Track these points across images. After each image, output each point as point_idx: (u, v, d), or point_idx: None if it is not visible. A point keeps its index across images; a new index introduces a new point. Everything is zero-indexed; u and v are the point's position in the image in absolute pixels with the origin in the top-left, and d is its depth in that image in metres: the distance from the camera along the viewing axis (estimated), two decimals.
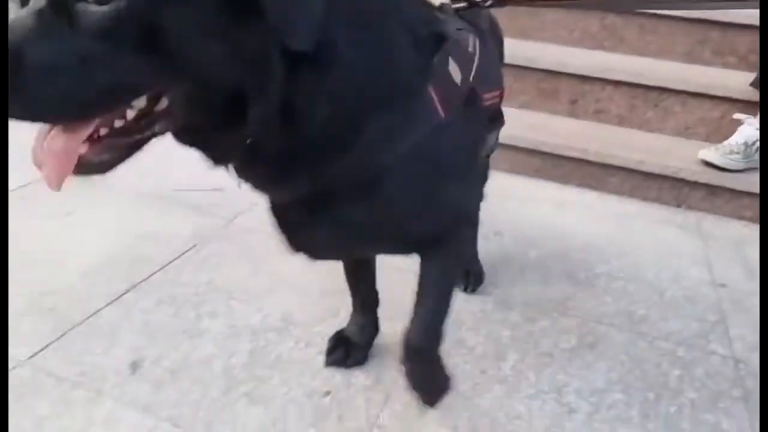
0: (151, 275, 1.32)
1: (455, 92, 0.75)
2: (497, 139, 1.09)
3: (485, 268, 1.42)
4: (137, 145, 0.59)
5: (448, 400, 0.99)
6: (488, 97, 0.89)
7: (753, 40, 2.25)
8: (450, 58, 0.75)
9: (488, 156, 1.20)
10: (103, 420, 0.94)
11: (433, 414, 1.00)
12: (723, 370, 1.18)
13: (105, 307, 1.21)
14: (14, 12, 0.55)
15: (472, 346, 1.18)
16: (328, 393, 1.03)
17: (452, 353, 1.14)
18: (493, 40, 1.07)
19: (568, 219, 1.79)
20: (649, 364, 1.17)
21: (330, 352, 1.11)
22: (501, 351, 1.18)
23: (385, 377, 1.08)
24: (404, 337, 0.92)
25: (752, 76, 2.04)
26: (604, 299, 1.38)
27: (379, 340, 1.14)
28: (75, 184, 0.56)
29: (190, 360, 1.09)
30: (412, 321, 0.91)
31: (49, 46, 0.51)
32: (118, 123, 0.56)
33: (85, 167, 0.56)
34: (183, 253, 1.42)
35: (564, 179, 2.06)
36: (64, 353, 1.08)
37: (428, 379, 0.97)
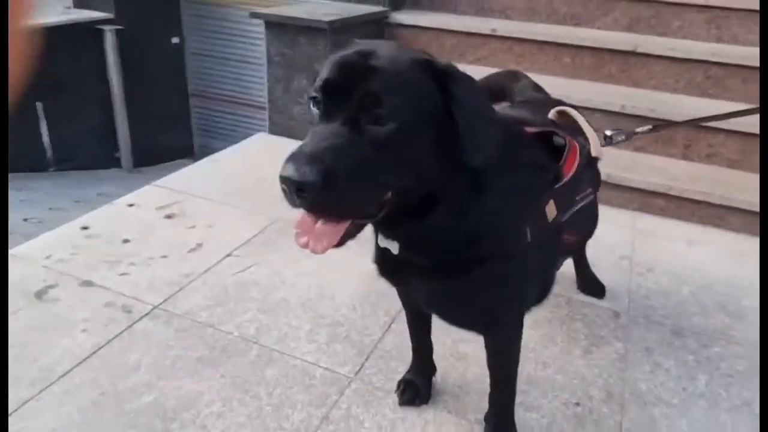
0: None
1: (544, 226, 1.04)
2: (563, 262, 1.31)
3: (649, 302, 1.77)
4: (365, 225, 0.88)
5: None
6: (569, 238, 1.16)
7: None
8: (552, 200, 1.05)
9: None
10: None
11: (679, 422, 1.34)
12: None
13: (383, 336, 1.59)
14: (317, 125, 0.82)
15: (667, 367, 1.53)
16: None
17: (655, 373, 1.49)
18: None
19: (701, 255, 2.12)
20: None
21: (402, 393, 1.36)
22: (691, 372, 1.52)
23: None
24: (489, 407, 1.26)
25: None
26: (756, 328, 1.71)
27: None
28: None
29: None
30: (491, 397, 1.25)
31: (353, 158, 0.77)
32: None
33: (340, 241, 0.82)
34: None
35: (688, 218, 2.39)
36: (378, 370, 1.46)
37: None
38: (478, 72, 3.06)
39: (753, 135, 2.47)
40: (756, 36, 2.92)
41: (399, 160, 0.81)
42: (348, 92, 0.80)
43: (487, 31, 3.09)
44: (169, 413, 1.31)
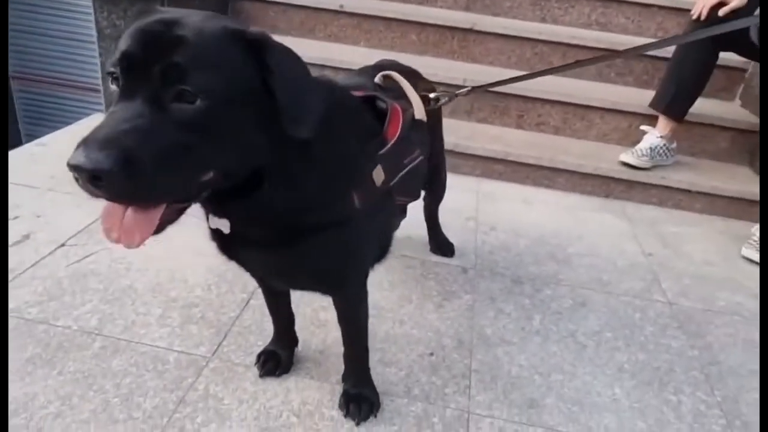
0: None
1: (372, 191, 1.04)
2: (400, 222, 1.36)
3: (493, 257, 1.94)
4: (185, 208, 0.83)
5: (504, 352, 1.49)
6: (401, 200, 1.20)
7: (644, 65, 2.96)
8: (379, 165, 1.05)
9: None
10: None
11: (518, 357, 1.49)
12: (664, 310, 1.78)
13: (240, 313, 1.55)
14: (115, 104, 0.73)
15: (509, 312, 1.69)
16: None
17: (498, 318, 1.64)
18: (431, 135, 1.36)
19: (535, 213, 2.35)
20: (620, 312, 1.75)
21: (262, 365, 1.34)
22: (528, 313, 1.69)
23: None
24: (345, 367, 1.29)
25: (647, 93, 2.72)
26: (579, 271, 1.95)
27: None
28: None
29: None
30: (345, 356, 1.28)
31: (157, 141, 0.70)
32: None
33: (157, 228, 0.77)
34: None
35: (523, 180, 2.63)
36: (237, 346, 1.42)
37: (359, 399, 1.26)
38: (329, 48, 3.07)
39: (572, 104, 2.78)
40: (571, 17, 3.28)
41: (214, 140, 0.75)
42: (149, 66, 0.72)
43: (335, 7, 3.10)
44: None
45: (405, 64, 1.56)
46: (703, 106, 2.65)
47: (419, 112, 1.22)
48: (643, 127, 2.61)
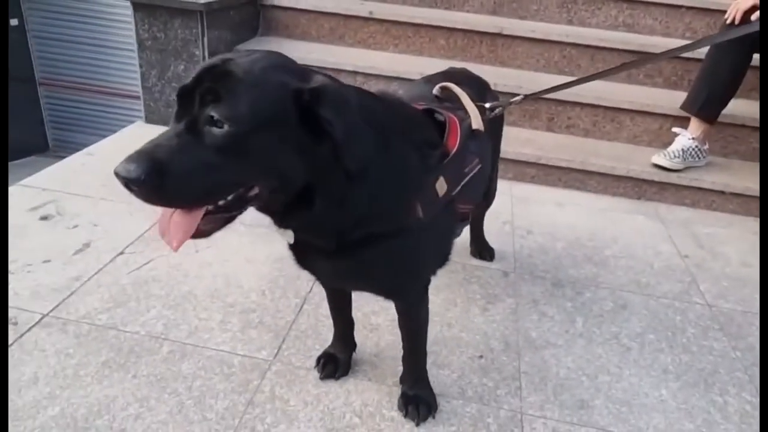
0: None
1: (436, 202, 1.10)
2: (462, 229, 1.37)
3: (531, 260, 1.98)
4: (232, 218, 0.92)
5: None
6: (463, 207, 1.23)
7: (673, 66, 2.98)
8: (441, 176, 1.11)
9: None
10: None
11: (565, 359, 1.54)
12: (703, 312, 1.82)
13: (296, 317, 1.63)
14: (170, 129, 0.85)
15: (552, 315, 1.74)
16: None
17: (542, 321, 1.69)
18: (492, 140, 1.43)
19: (569, 215, 2.39)
20: (661, 314, 1.79)
21: (322, 368, 1.41)
22: (570, 316, 1.74)
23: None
24: (404, 369, 1.35)
25: (677, 95, 2.74)
26: (618, 273, 1.99)
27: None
28: None
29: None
30: (405, 359, 1.34)
31: (186, 157, 0.81)
32: (221, 203, 0.88)
33: (198, 234, 0.87)
34: None
35: (555, 183, 2.67)
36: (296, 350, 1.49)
37: (418, 400, 1.32)
38: (358, 55, 3.13)
39: (601, 107, 2.81)
40: (598, 19, 3.30)
41: (242, 161, 0.84)
42: (195, 94, 0.84)
43: (365, 14, 3.16)
44: (80, 423, 1.24)
45: (473, 72, 1.62)
46: (735, 107, 2.66)
47: (476, 122, 1.28)
48: (675, 129, 2.63)
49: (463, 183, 1.19)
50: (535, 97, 1.62)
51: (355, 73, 2.96)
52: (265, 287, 1.74)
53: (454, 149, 1.17)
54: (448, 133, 1.18)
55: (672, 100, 2.76)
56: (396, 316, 1.31)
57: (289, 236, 1.04)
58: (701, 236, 2.32)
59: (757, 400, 1.47)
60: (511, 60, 3.16)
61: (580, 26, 3.30)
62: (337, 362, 1.43)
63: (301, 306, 1.67)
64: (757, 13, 2.24)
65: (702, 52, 2.62)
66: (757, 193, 2.52)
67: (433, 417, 1.33)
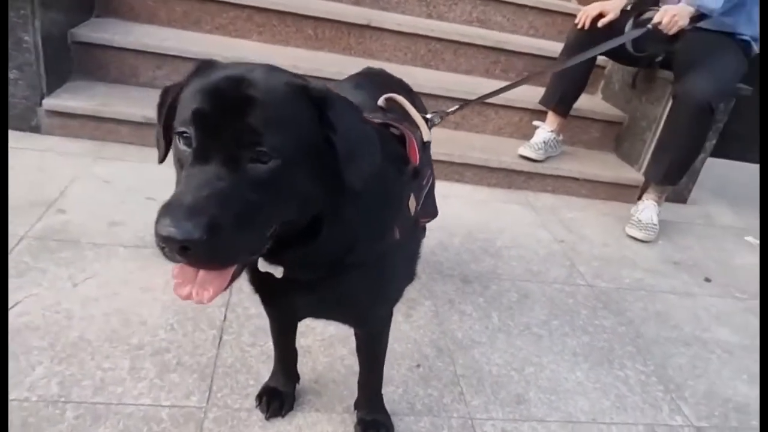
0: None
1: (408, 222, 1.08)
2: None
3: (436, 257, 2.05)
4: (254, 260, 0.88)
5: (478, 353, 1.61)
6: (423, 221, 1.27)
7: (525, 62, 3.25)
8: (412, 194, 1.09)
9: None
10: None
11: (493, 356, 1.60)
12: (588, 293, 2.05)
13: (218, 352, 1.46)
14: (191, 166, 0.73)
15: (469, 312, 1.81)
16: None
17: (463, 320, 1.75)
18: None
19: (455, 207, 2.50)
20: (557, 300, 1.97)
21: (267, 406, 1.29)
22: (486, 311, 1.83)
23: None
24: (359, 394, 1.31)
25: (530, 90, 3.00)
26: (512, 264, 2.14)
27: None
28: None
29: None
30: (361, 384, 1.30)
31: (237, 203, 0.71)
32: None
33: (229, 283, 0.79)
34: None
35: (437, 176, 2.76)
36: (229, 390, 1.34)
37: (376, 426, 1.29)
38: (217, 42, 2.87)
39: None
40: (455, 14, 3.46)
41: (283, 195, 0.78)
42: (224, 128, 0.73)
43: None
44: None
45: (392, 74, 1.58)
46: (579, 102, 3.00)
47: (426, 133, 1.25)
48: (535, 123, 2.89)
49: (423, 197, 1.17)
50: (473, 104, 1.66)
51: None
52: (173, 320, 1.54)
53: (416, 164, 1.14)
54: (408, 149, 1.14)
55: (527, 94, 3.01)
56: (326, 335, 1.31)
57: (277, 271, 0.93)
58: (567, 221, 2.60)
59: (647, 369, 1.71)
60: (379, 52, 3.17)
61: (439, 20, 3.42)
62: (281, 397, 1.32)
63: (220, 337, 1.51)
64: (604, 20, 2.53)
65: (554, 51, 2.90)
66: (603, 179, 2.90)
67: None
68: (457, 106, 1.51)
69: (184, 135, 0.75)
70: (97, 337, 1.43)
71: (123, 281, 1.64)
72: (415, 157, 1.15)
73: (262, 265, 0.94)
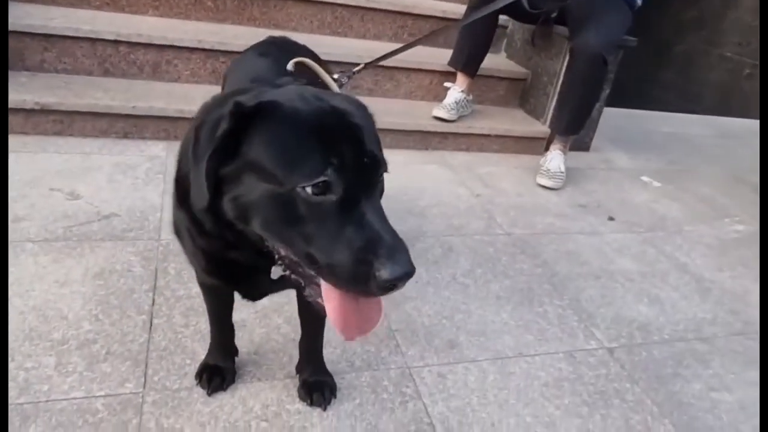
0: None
1: None
2: None
3: None
4: None
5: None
6: None
7: (431, 25, 3.31)
8: None
9: None
10: None
11: (424, 308, 1.68)
12: (506, 241, 2.18)
13: (150, 336, 1.43)
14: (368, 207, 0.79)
15: None
16: None
17: None
18: None
19: None
20: (479, 250, 2.08)
21: (208, 382, 1.29)
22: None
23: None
24: (300, 358, 1.35)
25: (437, 52, 3.08)
26: (435, 221, 2.23)
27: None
28: None
29: None
30: (303, 347, 1.34)
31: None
32: None
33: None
34: None
35: None
36: (166, 372, 1.32)
37: (320, 386, 1.32)
38: (108, 20, 2.70)
39: (381, 66, 2.98)
40: None
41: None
42: (361, 160, 0.78)
43: None
44: None
45: (295, 41, 1.57)
46: (485, 62, 3.11)
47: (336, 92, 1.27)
48: (446, 84, 2.97)
49: None
50: (374, 64, 1.68)
51: (118, 42, 2.57)
52: (97, 311, 1.48)
53: None
54: None
55: (436, 56, 3.08)
56: (260, 307, 1.41)
57: (276, 273, 0.94)
58: (483, 176, 2.71)
59: (564, 303, 1.86)
60: (285, 22, 3.11)
61: None
62: (222, 372, 1.32)
63: (150, 322, 1.48)
64: None
65: (460, 13, 2.98)
66: (513, 134, 3.04)
67: (335, 397, 1.35)
68: (362, 65, 1.54)
69: (319, 184, 0.75)
70: (15, 338, 1.35)
71: (36, 277, 1.55)
72: None
73: (276, 272, 0.94)
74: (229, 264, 0.98)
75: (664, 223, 2.57)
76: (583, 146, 3.25)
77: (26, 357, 1.31)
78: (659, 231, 2.48)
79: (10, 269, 1.56)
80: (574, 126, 2.76)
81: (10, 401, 1.20)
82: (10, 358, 1.30)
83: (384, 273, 0.72)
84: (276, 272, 0.94)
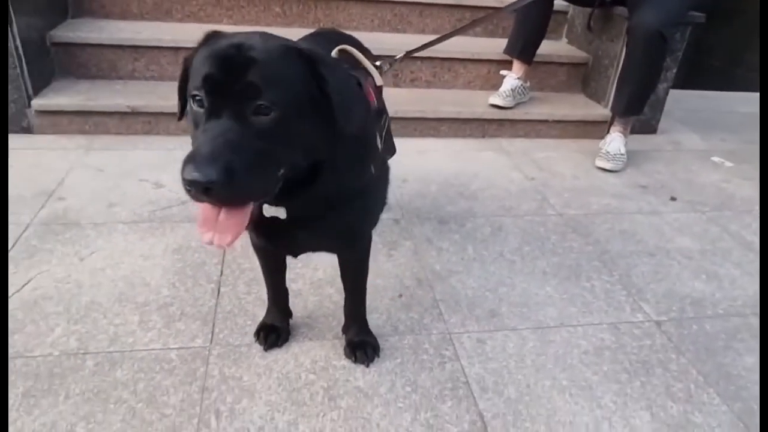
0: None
1: (379, 158, 1.23)
2: None
3: (414, 205, 2.19)
4: (263, 202, 1.03)
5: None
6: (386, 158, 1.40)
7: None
8: (377, 134, 1.24)
9: None
10: None
11: (468, 281, 1.76)
12: (558, 221, 2.19)
13: (217, 301, 1.62)
14: (205, 122, 0.85)
15: (446, 248, 1.96)
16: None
17: (440, 254, 1.90)
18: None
19: (432, 161, 2.64)
20: (528, 229, 2.12)
21: (265, 339, 1.45)
22: (461, 245, 1.98)
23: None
24: (346, 320, 1.48)
25: (494, 41, 3.11)
26: (486, 203, 2.28)
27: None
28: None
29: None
30: (347, 310, 1.47)
31: (246, 150, 0.83)
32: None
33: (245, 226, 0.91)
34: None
35: (412, 134, 2.89)
36: (230, 331, 1.50)
37: (363, 345, 1.44)
38: (189, 30, 2.98)
39: (438, 59, 3.08)
40: None
41: (286, 142, 0.89)
42: (230, 86, 0.85)
43: None
44: None
45: (344, 32, 1.70)
46: (543, 48, 3.11)
47: (379, 79, 1.39)
48: (502, 72, 3.00)
49: (384, 136, 1.31)
50: (411, 55, 1.78)
51: (184, 49, 2.83)
52: (174, 279, 1.69)
53: (376, 107, 1.27)
54: (366, 92, 1.28)
55: (492, 46, 3.12)
56: (315, 279, 1.53)
57: (281, 213, 1.07)
58: (539, 161, 2.73)
59: (613, 279, 1.86)
60: (347, 22, 3.27)
61: None
62: (278, 331, 1.48)
63: (218, 289, 1.67)
64: None
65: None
66: (572, 119, 3.02)
67: (378, 356, 1.46)
68: (402, 54, 1.64)
69: (197, 98, 0.87)
70: (107, 300, 1.59)
71: (125, 252, 1.79)
72: (372, 100, 1.29)
73: (268, 210, 1.08)
74: (261, 219, 1.12)
75: (733, 202, 2.46)
76: (649, 128, 3.16)
77: (116, 315, 1.53)
78: (726, 210, 2.38)
79: (104, 246, 1.81)
80: (634, 107, 2.71)
81: (101, 350, 1.42)
82: (102, 316, 1.53)
83: (182, 173, 0.81)
84: (268, 210, 1.07)
